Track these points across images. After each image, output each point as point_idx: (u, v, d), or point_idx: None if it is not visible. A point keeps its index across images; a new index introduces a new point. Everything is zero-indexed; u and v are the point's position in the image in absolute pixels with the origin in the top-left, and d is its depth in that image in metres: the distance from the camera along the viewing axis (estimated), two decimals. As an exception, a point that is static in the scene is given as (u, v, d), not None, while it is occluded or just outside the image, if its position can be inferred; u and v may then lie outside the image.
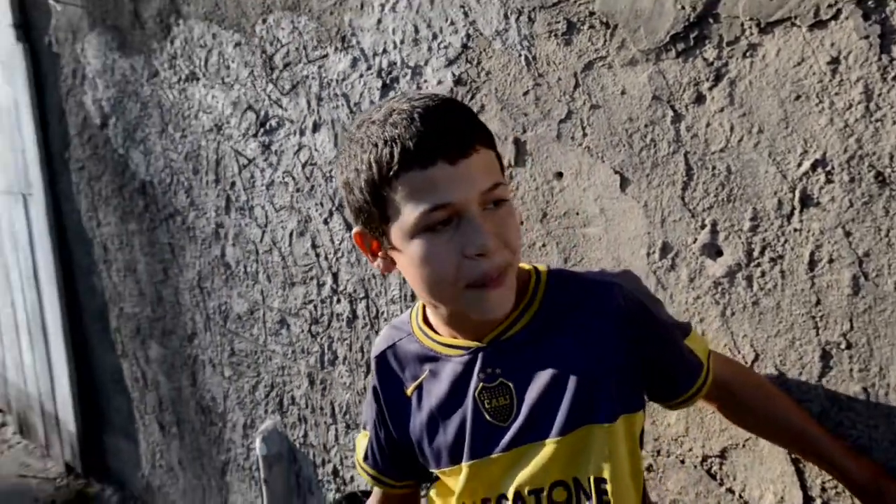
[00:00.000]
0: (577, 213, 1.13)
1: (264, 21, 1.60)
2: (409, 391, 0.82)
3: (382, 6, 1.32)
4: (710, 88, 0.93)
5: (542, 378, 0.72)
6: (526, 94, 1.14)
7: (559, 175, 1.14)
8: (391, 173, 0.62)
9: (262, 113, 1.67)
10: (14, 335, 3.32)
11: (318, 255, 1.63)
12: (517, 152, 1.18)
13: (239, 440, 2.10)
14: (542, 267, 0.79)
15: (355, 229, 0.72)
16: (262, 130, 1.69)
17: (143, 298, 2.39)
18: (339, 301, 1.60)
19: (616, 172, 1.06)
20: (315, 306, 1.67)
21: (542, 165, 1.15)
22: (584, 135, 1.09)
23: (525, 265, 0.79)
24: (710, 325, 0.98)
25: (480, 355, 0.74)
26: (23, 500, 2.92)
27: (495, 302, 0.67)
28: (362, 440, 0.91)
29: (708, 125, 0.94)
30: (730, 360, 0.89)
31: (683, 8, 0.93)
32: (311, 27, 1.48)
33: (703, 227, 0.97)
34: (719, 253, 0.96)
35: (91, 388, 2.90)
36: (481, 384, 0.74)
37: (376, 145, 0.63)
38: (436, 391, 0.78)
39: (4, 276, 3.28)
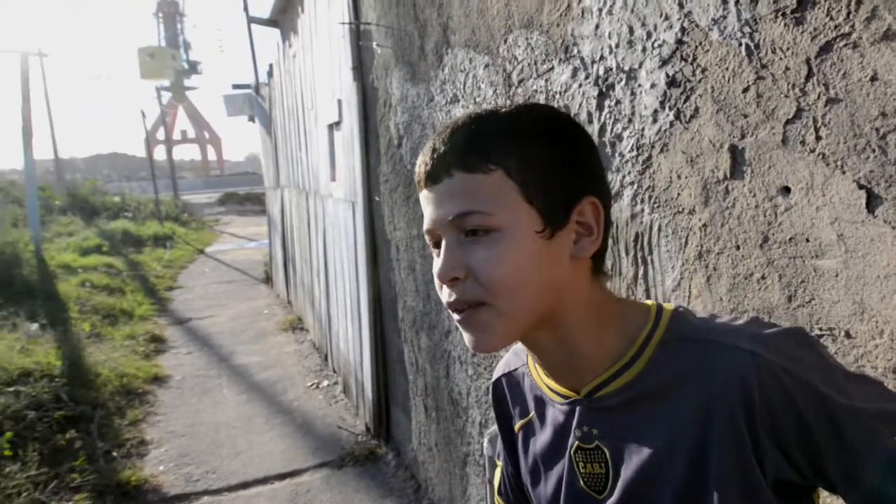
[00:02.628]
0: (808, 240, 0.87)
1: (506, 41, 1.67)
2: (516, 427, 0.75)
3: (600, 10, 1.25)
4: None
5: (641, 454, 0.58)
6: (746, 90, 0.94)
7: (785, 190, 0.90)
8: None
9: (502, 129, 1.75)
10: (344, 313, 4.18)
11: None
12: (733, 162, 0.98)
13: (476, 436, 2.23)
14: (667, 308, 0.62)
15: None
16: (500, 145, 1.76)
17: (418, 294, 2.74)
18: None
19: (861, 187, 0.79)
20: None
21: (763, 178, 0.93)
22: (818, 138, 0.84)
23: (648, 302, 0.64)
24: None
25: (578, 409, 0.63)
26: (334, 446, 3.65)
27: (467, 340, 0.59)
28: (497, 474, 0.87)
29: None
30: None
31: (969, -51, 0.64)
32: (541, 41, 1.49)
33: None
34: None
35: (385, 365, 3.45)
36: (577, 442, 0.63)
37: None
38: (541, 437, 0.70)
39: (341, 266, 4.16)
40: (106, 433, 3.94)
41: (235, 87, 10.31)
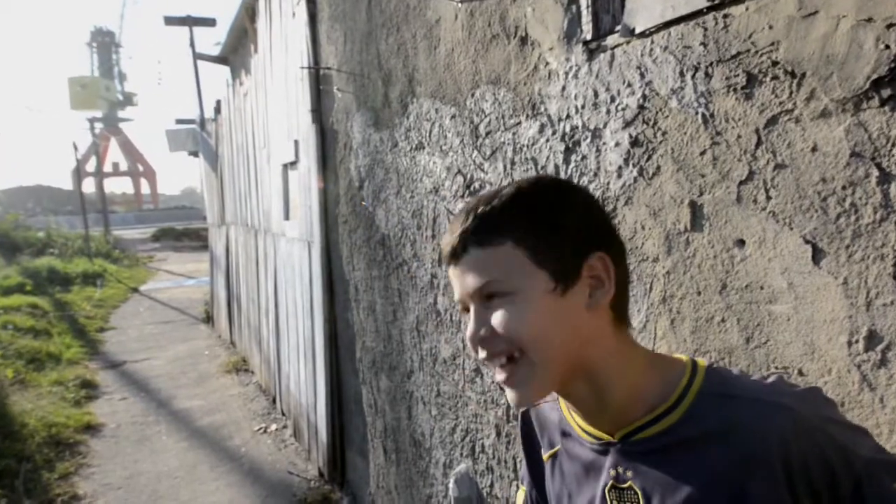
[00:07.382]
0: (762, 287, 0.98)
1: (473, 95, 1.76)
2: (545, 456, 0.80)
3: (567, 73, 1.36)
4: (930, 142, 0.74)
5: (675, 499, 0.61)
6: (703, 153, 1.05)
7: (740, 242, 1.01)
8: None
9: (468, 176, 1.83)
10: (296, 354, 4.10)
11: (507, 310, 1.68)
12: (693, 216, 1.08)
13: (440, 477, 2.23)
14: (701, 363, 0.66)
15: None
16: (467, 192, 1.84)
17: (378, 335, 2.74)
18: (523, 357, 1.62)
19: (807, 242, 0.90)
20: (503, 359, 1.72)
21: (720, 231, 1.04)
22: (769, 198, 0.95)
23: (683, 357, 0.68)
24: (935, 444, 0.75)
25: (612, 450, 0.68)
26: (286, 493, 3.53)
27: (510, 397, 0.66)
28: (521, 496, 0.91)
29: (926, 187, 0.75)
30: None
31: (888, 47, 0.77)
32: (509, 98, 1.59)
33: (922, 315, 0.76)
34: (948, 351, 0.74)
35: (340, 407, 3.40)
36: (611, 481, 0.67)
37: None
38: (570, 470, 0.75)
39: (294, 305, 4.10)
40: (33, 489, 3.66)
41: (179, 121, 10.10)
